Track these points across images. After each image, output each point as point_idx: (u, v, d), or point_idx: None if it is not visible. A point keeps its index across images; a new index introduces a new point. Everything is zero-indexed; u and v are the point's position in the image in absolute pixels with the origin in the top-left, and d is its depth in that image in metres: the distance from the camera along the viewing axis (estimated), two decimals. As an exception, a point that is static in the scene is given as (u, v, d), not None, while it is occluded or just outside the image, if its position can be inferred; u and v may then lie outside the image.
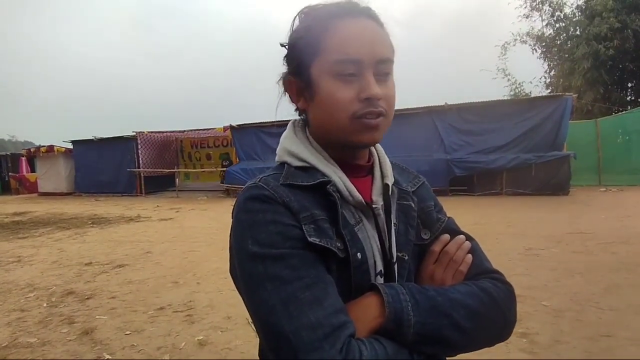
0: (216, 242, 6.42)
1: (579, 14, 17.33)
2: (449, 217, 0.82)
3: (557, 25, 18.39)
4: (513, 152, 10.57)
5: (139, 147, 16.31)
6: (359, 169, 0.74)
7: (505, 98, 17.57)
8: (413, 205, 0.76)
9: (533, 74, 25.15)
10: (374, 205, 0.71)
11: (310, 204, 0.65)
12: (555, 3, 18.13)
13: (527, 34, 18.90)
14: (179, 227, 8.39)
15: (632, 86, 17.10)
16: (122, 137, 16.73)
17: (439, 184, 10.94)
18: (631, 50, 15.23)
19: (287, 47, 0.73)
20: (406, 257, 0.72)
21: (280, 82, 0.75)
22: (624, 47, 14.92)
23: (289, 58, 0.72)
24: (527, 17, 18.76)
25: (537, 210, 8.29)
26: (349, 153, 0.73)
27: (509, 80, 19.75)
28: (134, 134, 16.29)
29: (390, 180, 0.75)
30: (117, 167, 16.41)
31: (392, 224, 0.72)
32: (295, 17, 0.71)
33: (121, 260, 5.60)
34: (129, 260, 5.56)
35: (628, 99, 16.70)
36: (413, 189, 0.80)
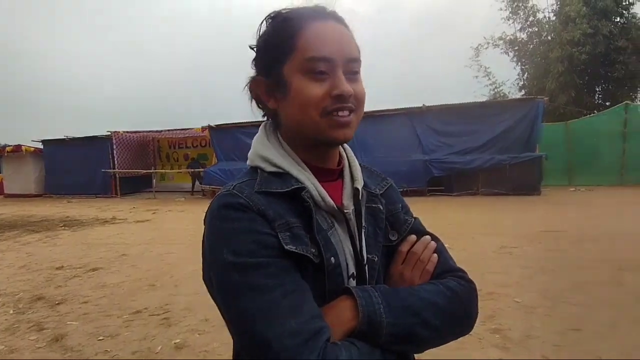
0: (194, 243, 6.30)
1: (554, 18, 17.93)
2: (415, 218, 0.84)
3: (530, 29, 18.99)
4: (488, 153, 10.84)
5: (115, 147, 15.89)
6: (329, 173, 0.76)
7: (484, 99, 18.04)
8: (381, 207, 0.78)
9: (507, 76, 25.91)
10: (345, 210, 0.72)
11: (285, 210, 0.66)
12: (529, 8, 18.71)
13: (500, 38, 19.44)
14: (156, 229, 8.22)
15: (600, 90, 17.82)
16: (96, 137, 16.27)
17: (418, 184, 11.11)
18: (601, 55, 15.87)
19: (255, 49, 0.73)
20: (376, 259, 0.74)
21: (247, 88, 0.75)
22: (595, 52, 15.53)
23: (258, 59, 0.73)
24: (508, 20, 19.25)
25: (511, 210, 8.53)
26: (321, 155, 0.74)
27: (489, 79, 20.19)
28: (109, 133, 15.87)
29: (360, 184, 0.76)
30: (91, 168, 15.94)
31: (362, 227, 0.74)
32: (263, 21, 0.72)
33: (95, 263, 5.44)
34: (103, 264, 5.40)
35: (597, 102, 17.38)
36: (381, 192, 0.82)
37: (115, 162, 15.91)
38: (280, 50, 0.68)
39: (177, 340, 3.01)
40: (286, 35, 0.67)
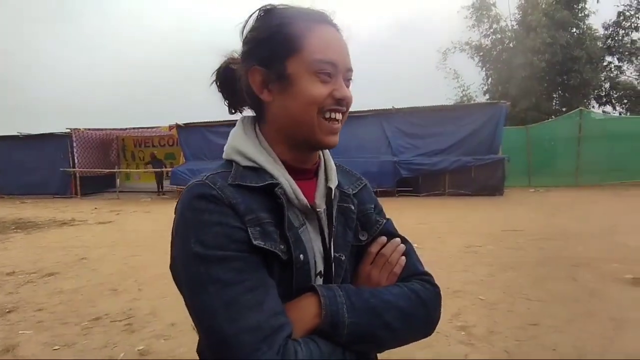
0: (160, 246, 6.11)
1: (517, 26, 18.75)
2: (387, 219, 0.85)
3: (494, 37, 19.79)
4: (455, 155, 11.18)
5: (75, 145, 15.14)
6: (305, 171, 0.76)
7: (451, 102, 18.61)
8: (353, 207, 0.79)
9: (473, 80, 26.84)
10: (317, 209, 0.73)
11: (257, 205, 0.66)
12: (492, 17, 19.48)
13: (466, 43, 20.13)
14: (119, 231, 7.90)
15: (558, 96, 18.81)
16: (53, 134, 15.44)
17: (387, 184, 11.30)
18: (559, 64, 16.75)
19: (252, 39, 0.72)
20: (343, 258, 0.75)
21: (244, 72, 0.72)
22: (553, 60, 16.38)
23: (257, 49, 0.71)
24: (473, 27, 19.96)
25: (476, 210, 8.83)
26: (302, 155, 0.75)
27: (458, 82, 20.83)
28: (68, 131, 15.11)
29: (333, 184, 0.77)
30: (48, 167, 15.09)
31: (333, 226, 0.75)
32: (256, 11, 0.72)
33: (51, 268, 5.15)
34: (60, 268, 5.12)
35: (555, 108, 18.33)
36: (354, 192, 0.82)
37: (76, 160, 15.16)
38: (287, 45, 0.68)
39: (141, 347, 2.89)
40: (295, 32, 0.68)
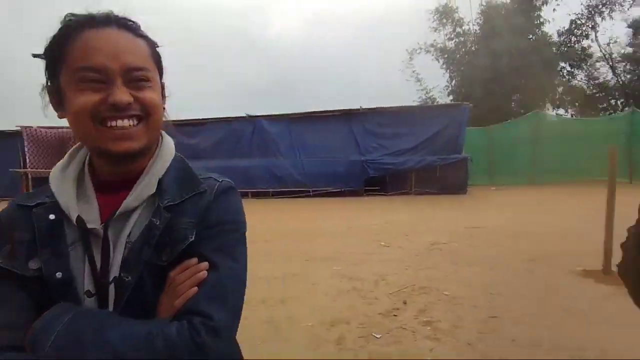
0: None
1: (479, 31, 19.50)
2: (217, 236, 0.73)
3: (457, 40, 20.50)
4: (420, 155, 11.48)
5: (26, 143, 14.25)
6: (115, 184, 0.73)
7: (415, 103, 19.11)
8: (157, 222, 0.70)
9: (438, 82, 27.73)
10: (91, 226, 0.69)
11: (26, 224, 0.69)
12: (456, 21, 20.18)
13: (431, 45, 20.76)
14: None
15: (517, 99, 19.73)
16: (1, 132, 14.48)
17: (355, 184, 11.43)
18: (517, 68, 17.56)
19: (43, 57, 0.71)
20: (128, 279, 0.68)
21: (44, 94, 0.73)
22: (512, 64, 17.16)
23: (45, 67, 0.71)
24: (436, 30, 20.60)
25: (441, 208, 9.10)
26: (110, 166, 0.73)
27: (420, 84, 21.48)
28: (19, 128, 14.21)
29: (137, 200, 0.71)
30: (-6, 167, 14.15)
31: (126, 243, 0.69)
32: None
33: None
34: None
35: (514, 110, 19.21)
36: (174, 203, 0.73)
37: (27, 160, 14.28)
38: (55, 59, 0.67)
39: None
40: (59, 44, 0.66)
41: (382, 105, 12.23)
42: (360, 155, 11.75)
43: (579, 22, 19.10)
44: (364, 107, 12.08)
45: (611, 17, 18.60)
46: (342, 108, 12.22)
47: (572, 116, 19.31)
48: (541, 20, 18.45)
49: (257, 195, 11.60)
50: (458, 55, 20.37)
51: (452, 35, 20.51)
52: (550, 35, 19.03)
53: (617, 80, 19.46)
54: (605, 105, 19.52)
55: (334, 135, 11.95)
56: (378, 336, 2.95)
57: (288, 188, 11.68)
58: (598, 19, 18.82)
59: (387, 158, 11.57)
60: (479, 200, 10.26)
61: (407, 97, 24.90)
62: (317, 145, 11.80)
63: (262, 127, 12.10)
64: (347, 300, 3.69)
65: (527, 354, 2.65)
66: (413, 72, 21.67)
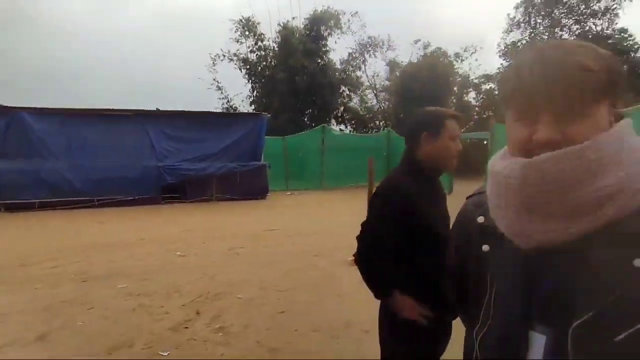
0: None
1: (276, 47, 21.02)
2: None
3: (259, 53, 21.63)
4: (222, 161, 11.48)
5: None
6: None
7: (218, 110, 19.08)
8: None
9: (241, 90, 28.50)
10: None
11: None
12: (257, 35, 21.26)
13: (235, 54, 21.26)
14: None
15: (309, 113, 22.23)
16: None
17: (150, 192, 10.48)
18: (309, 86, 19.79)
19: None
20: None
21: None
22: (306, 82, 19.23)
23: None
24: (237, 42, 21.12)
25: (241, 213, 9.33)
26: None
27: (222, 93, 21.56)
28: None
29: None
30: None
31: None
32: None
33: None
34: None
35: (307, 123, 21.57)
36: None
37: None
38: None
39: None
40: None
41: (183, 109, 11.70)
42: (157, 161, 10.81)
43: (354, 55, 23.25)
44: (161, 109, 11.24)
45: (375, 56, 23.61)
46: (135, 108, 11.02)
47: (350, 132, 23.15)
48: (327, 48, 21.53)
49: (14, 208, 9.11)
50: (259, 68, 21.51)
51: (254, 48, 21.56)
52: (335, 62, 22.43)
53: (380, 106, 24.66)
54: (372, 125, 24.27)
55: (125, 137, 10.61)
56: (165, 354, 2.75)
57: (64, 197, 9.66)
58: (367, 55, 23.48)
59: (187, 164, 11.07)
60: (276, 204, 11.03)
61: (209, 103, 24.59)
62: (104, 147, 10.21)
63: (22, 121, 9.60)
64: (131, 320, 3.30)
65: (306, 340, 2.97)
66: (214, 79, 21.70)
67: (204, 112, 12.15)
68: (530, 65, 0.63)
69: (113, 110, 10.69)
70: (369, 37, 22.96)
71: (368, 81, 24.23)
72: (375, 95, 24.70)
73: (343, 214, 8.58)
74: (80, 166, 9.90)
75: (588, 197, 0.59)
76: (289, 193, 13.55)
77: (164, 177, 10.62)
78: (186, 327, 3.18)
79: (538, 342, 0.65)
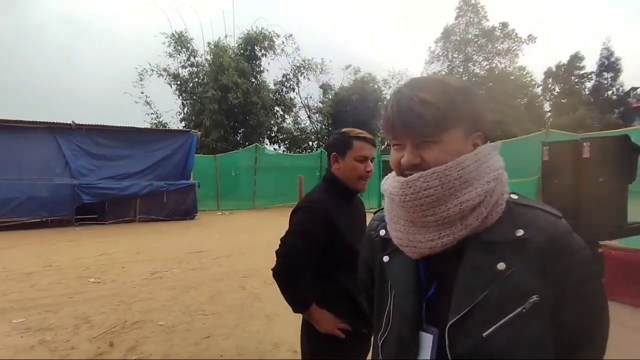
0: None
1: (208, 65, 20.59)
2: None
3: (191, 69, 21.04)
4: (147, 180, 10.81)
5: None
6: None
7: (146, 125, 18.06)
8: None
9: (170, 107, 27.29)
10: None
11: None
12: (190, 51, 20.71)
13: (164, 69, 20.43)
14: None
15: (242, 132, 21.94)
16: None
17: (63, 212, 9.51)
18: (242, 105, 19.58)
19: None
20: None
21: None
22: (238, 100, 19.00)
23: None
24: (170, 56, 20.35)
25: (166, 235, 8.81)
26: None
27: (151, 108, 20.50)
28: None
29: None
30: None
31: None
32: None
33: None
34: None
35: (240, 141, 21.24)
36: None
37: None
38: None
39: None
40: None
41: (103, 124, 10.88)
42: (71, 178, 9.83)
43: (288, 76, 23.58)
44: (77, 122, 10.32)
45: (308, 79, 24.17)
46: (47, 120, 10.01)
47: (283, 151, 23.23)
48: (261, 68, 21.60)
49: None
50: (191, 84, 20.87)
51: (187, 64, 20.92)
52: (268, 83, 22.55)
53: (313, 126, 25.18)
54: (305, 145, 24.64)
55: (35, 152, 9.57)
56: (69, 393, 2.46)
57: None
58: (300, 77, 23.95)
59: (107, 182, 10.22)
60: (205, 225, 10.60)
61: (136, 119, 23.17)
62: (10, 163, 9.11)
63: None
64: None
65: (232, 364, 2.86)
66: (142, 93, 20.62)
67: (127, 127, 11.39)
68: (391, 101, 0.74)
69: (18, 121, 9.61)
70: (303, 60, 23.52)
71: (302, 102, 24.72)
72: (309, 116, 25.24)
73: (274, 233, 8.52)
74: None
75: (454, 209, 0.69)
76: (219, 213, 13.12)
77: (79, 197, 9.69)
78: (96, 362, 2.89)
79: (427, 342, 0.72)
